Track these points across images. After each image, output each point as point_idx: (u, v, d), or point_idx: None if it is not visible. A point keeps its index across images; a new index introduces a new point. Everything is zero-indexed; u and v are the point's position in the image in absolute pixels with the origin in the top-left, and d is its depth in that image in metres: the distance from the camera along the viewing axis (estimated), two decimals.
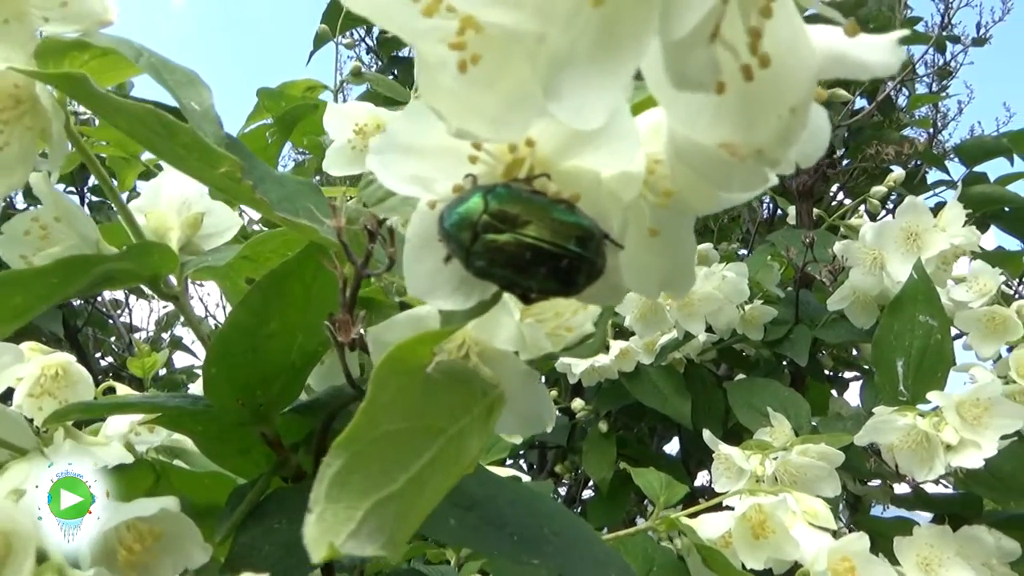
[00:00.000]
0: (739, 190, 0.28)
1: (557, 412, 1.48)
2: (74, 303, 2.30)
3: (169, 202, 0.62)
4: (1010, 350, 1.11)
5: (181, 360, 2.58)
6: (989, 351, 1.12)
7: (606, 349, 1.32)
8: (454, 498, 0.54)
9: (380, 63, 2.36)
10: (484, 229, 0.30)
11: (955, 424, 0.93)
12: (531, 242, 0.29)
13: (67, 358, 0.77)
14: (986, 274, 1.19)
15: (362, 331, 0.42)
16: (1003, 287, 1.96)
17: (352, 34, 2.09)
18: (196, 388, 0.96)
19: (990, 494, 1.06)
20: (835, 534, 0.77)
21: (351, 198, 0.76)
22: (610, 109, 0.22)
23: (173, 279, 0.59)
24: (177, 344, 2.46)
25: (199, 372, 2.37)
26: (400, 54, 2.31)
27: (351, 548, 0.26)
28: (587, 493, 1.76)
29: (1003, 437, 0.92)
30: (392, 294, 0.44)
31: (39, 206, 0.55)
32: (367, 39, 2.33)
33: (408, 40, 0.29)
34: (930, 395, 0.97)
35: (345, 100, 1.58)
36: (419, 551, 0.83)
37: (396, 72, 2.25)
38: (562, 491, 1.84)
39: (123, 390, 0.85)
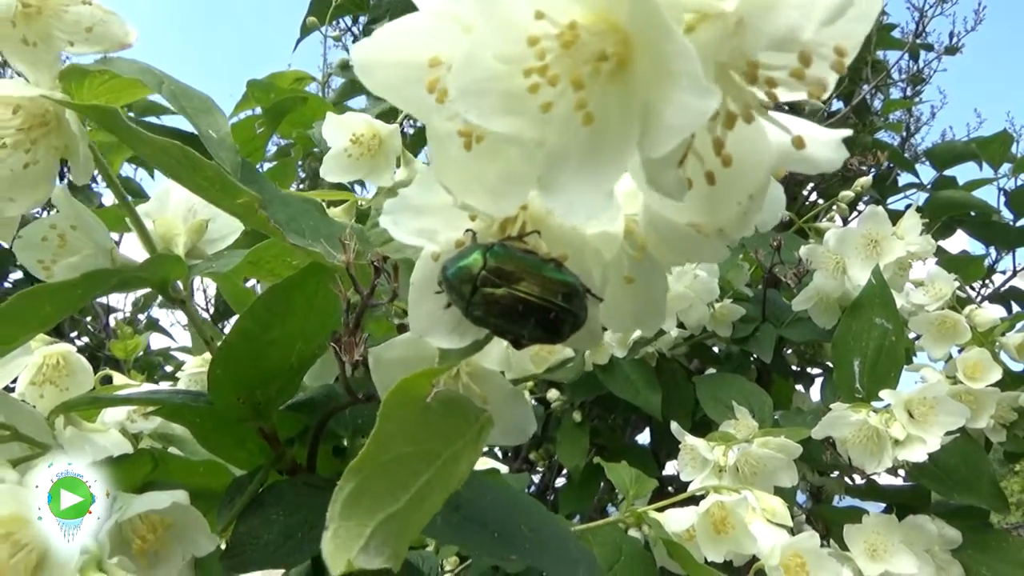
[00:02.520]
0: (703, 260, 0.33)
1: (533, 402, 1.54)
2: None
3: (176, 209, 0.65)
4: (961, 351, 1.18)
5: (156, 342, 2.58)
6: (940, 352, 1.19)
7: None
8: None
9: None
10: (482, 283, 0.34)
11: (903, 421, 1.00)
12: (523, 296, 0.34)
13: (68, 348, 0.80)
14: (942, 279, 1.26)
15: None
16: (967, 289, 2.05)
17: (339, 23, 2.10)
18: (181, 373, 0.99)
19: (936, 486, 1.13)
20: (793, 521, 0.83)
21: (359, 203, 0.79)
22: (596, 209, 0.27)
23: (180, 284, 0.62)
24: (153, 326, 2.46)
25: (176, 354, 2.37)
26: None
27: (362, 562, 0.31)
28: (560, 481, 1.82)
29: (947, 433, 0.99)
30: (392, 318, 0.49)
31: (54, 212, 0.58)
32: (354, 28, 2.34)
33: (420, 117, 0.33)
34: (882, 393, 1.04)
35: (335, 90, 1.60)
36: None
37: None
38: (535, 478, 1.90)
39: (119, 379, 0.88)
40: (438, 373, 0.37)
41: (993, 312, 1.24)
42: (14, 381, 0.75)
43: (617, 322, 0.41)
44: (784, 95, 0.29)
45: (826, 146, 0.31)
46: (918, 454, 0.95)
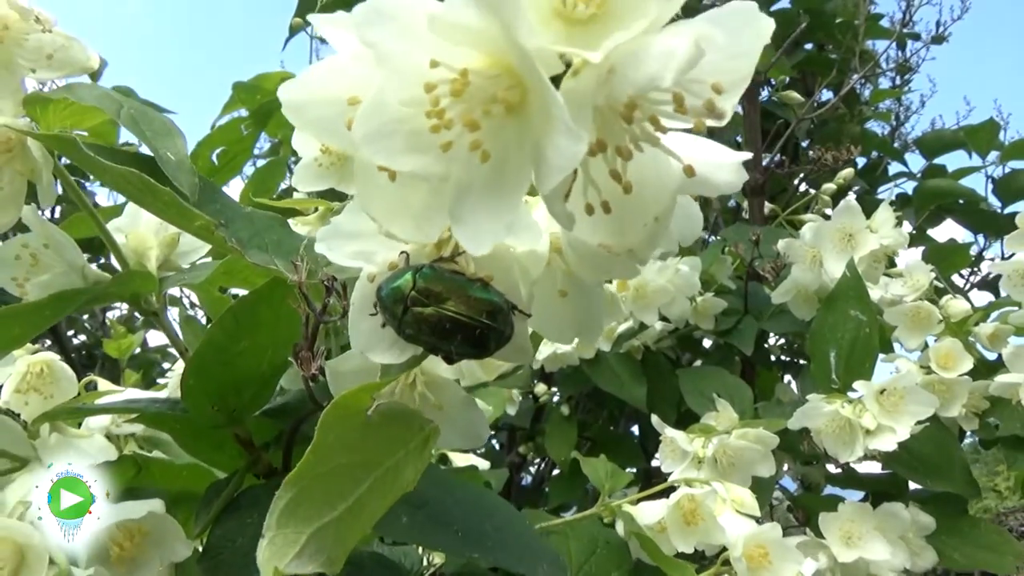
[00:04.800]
0: (617, 277, 0.35)
1: (521, 396, 1.56)
2: None
3: (148, 223, 0.67)
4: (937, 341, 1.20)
5: (154, 339, 2.60)
6: (915, 343, 1.21)
7: None
8: (406, 497, 0.61)
9: None
10: (412, 303, 0.36)
11: (874, 411, 1.02)
12: (450, 315, 0.36)
13: (51, 356, 0.82)
14: (919, 271, 1.27)
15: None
16: (956, 276, 2.05)
17: None
18: (170, 374, 1.01)
19: (909, 474, 1.15)
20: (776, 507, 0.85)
21: (314, 220, 0.81)
22: (495, 238, 0.29)
23: (152, 297, 0.64)
24: (150, 323, 2.49)
25: (173, 351, 2.38)
26: None
27: (294, 568, 0.33)
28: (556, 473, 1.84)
29: (918, 423, 1.01)
30: (347, 332, 0.51)
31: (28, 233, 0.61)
32: None
33: (347, 151, 0.35)
34: (856, 384, 1.06)
35: None
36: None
37: None
38: (532, 469, 1.93)
39: (104, 385, 0.90)
40: (378, 387, 0.39)
41: (977, 299, 1.26)
42: None
43: (558, 333, 0.43)
44: (675, 125, 0.30)
45: (725, 169, 0.33)
46: (888, 443, 0.97)
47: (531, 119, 0.28)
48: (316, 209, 0.93)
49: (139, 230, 0.67)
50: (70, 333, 2.56)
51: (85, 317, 2.64)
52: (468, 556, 0.56)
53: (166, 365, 2.36)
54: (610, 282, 1.22)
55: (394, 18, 0.27)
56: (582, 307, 0.42)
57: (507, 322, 0.37)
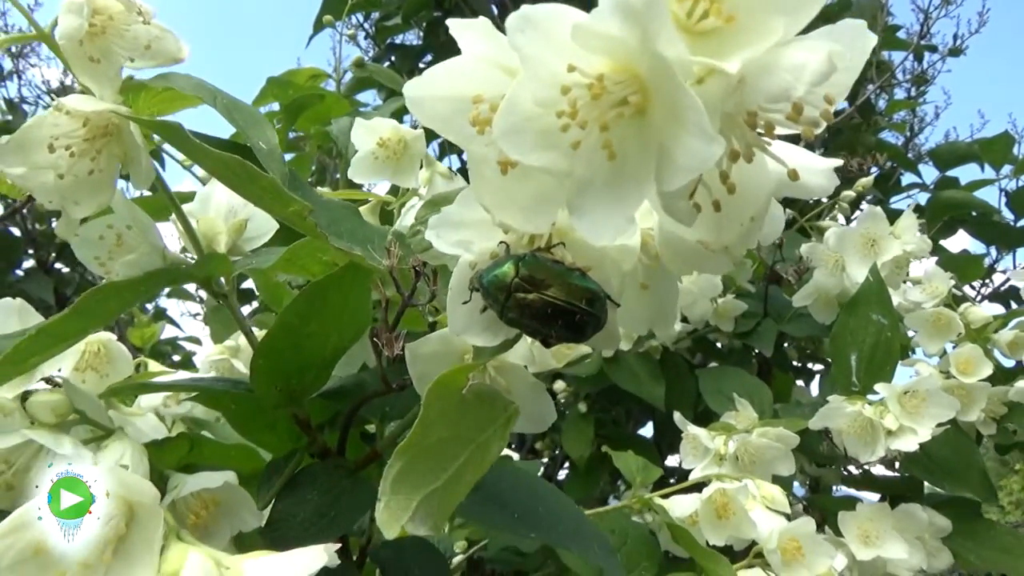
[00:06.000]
0: (710, 272, 0.38)
1: None
2: (63, 271, 2.34)
3: (217, 209, 0.70)
4: (955, 347, 1.22)
5: (164, 331, 2.61)
6: (935, 348, 1.23)
7: None
8: None
9: (377, 48, 2.43)
10: (516, 289, 0.39)
11: (896, 412, 1.04)
12: (552, 301, 0.39)
13: (109, 336, 0.85)
14: (938, 278, 1.30)
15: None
16: (968, 288, 2.08)
17: (352, 19, 2.15)
18: (203, 359, 1.03)
19: (928, 476, 1.18)
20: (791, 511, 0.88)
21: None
22: (618, 231, 0.31)
23: (223, 280, 0.67)
24: (161, 315, 2.51)
25: (184, 344, 2.40)
26: (395, 40, 2.39)
27: (411, 529, 0.36)
28: (562, 473, 1.86)
29: (938, 425, 1.03)
30: (426, 315, 0.54)
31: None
32: (365, 24, 2.39)
33: (461, 143, 0.38)
34: (877, 386, 1.09)
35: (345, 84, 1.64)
36: None
37: (393, 58, 2.33)
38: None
39: (155, 367, 0.93)
40: (473, 368, 0.42)
41: (989, 310, 1.29)
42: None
43: (633, 324, 0.46)
44: (782, 131, 0.33)
45: (819, 174, 0.36)
46: (910, 444, 1.00)
47: (654, 122, 0.31)
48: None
49: (209, 215, 0.69)
50: None
51: None
52: (524, 535, 0.58)
53: (176, 357, 2.37)
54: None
55: (538, 26, 0.29)
56: (659, 300, 0.45)
57: (603, 309, 0.40)
